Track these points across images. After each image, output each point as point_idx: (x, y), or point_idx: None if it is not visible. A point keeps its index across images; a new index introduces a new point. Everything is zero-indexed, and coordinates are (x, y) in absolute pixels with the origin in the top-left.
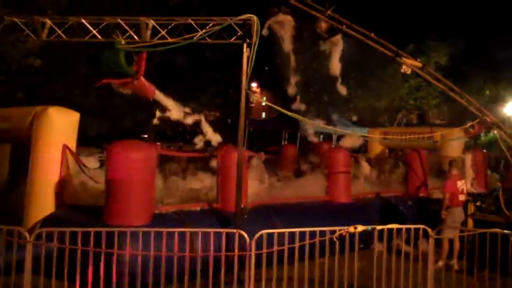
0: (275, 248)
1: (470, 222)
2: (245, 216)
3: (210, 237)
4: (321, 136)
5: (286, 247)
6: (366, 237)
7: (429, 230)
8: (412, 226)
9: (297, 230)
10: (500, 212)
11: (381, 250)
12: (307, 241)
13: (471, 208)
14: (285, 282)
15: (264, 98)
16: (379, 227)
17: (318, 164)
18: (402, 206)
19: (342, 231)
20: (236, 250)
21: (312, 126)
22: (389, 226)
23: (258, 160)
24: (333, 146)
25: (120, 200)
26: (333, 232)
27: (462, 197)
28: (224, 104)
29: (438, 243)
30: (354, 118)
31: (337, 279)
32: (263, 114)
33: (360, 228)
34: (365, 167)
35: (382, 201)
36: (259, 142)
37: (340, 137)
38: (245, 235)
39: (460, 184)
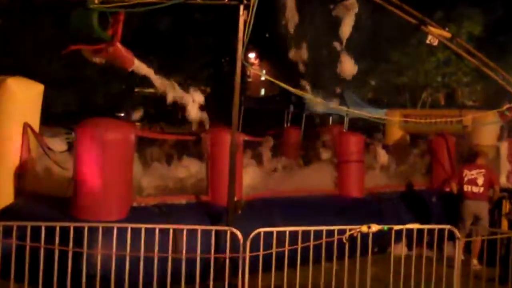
0: (274, 249)
1: (505, 223)
2: (239, 212)
3: (197, 235)
4: (331, 118)
5: (286, 248)
6: (381, 238)
7: (456, 231)
8: (436, 227)
9: (300, 228)
10: None
11: (399, 254)
12: (311, 242)
13: (506, 206)
14: None
15: (264, 72)
16: (397, 227)
17: (326, 150)
18: (424, 203)
19: (353, 231)
20: (228, 251)
21: (320, 106)
22: (409, 226)
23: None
24: (344, 130)
25: (91, 190)
26: (342, 231)
27: (473, 189)
28: (216, 78)
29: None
30: (369, 96)
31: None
32: (262, 91)
33: (375, 227)
34: (382, 156)
35: (401, 196)
36: (257, 123)
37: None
38: (239, 233)
39: (470, 173)
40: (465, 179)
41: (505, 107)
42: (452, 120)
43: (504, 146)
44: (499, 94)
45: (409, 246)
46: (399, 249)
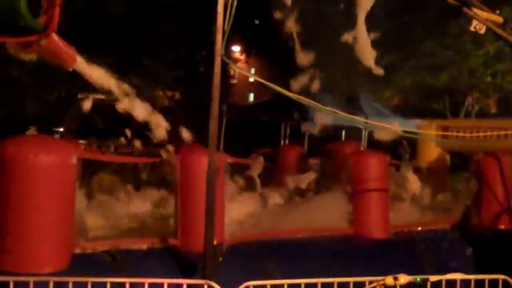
0: None
1: None
2: (220, 259)
3: None
4: (344, 131)
5: None
6: None
7: None
8: (486, 277)
9: (303, 281)
10: None
11: None
12: None
13: None
14: None
15: (253, 71)
16: (434, 278)
17: (337, 176)
18: (471, 245)
19: (375, 283)
20: None
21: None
22: (450, 276)
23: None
24: (362, 148)
25: (19, 231)
26: (360, 285)
27: None
28: (187, 79)
29: None
30: (395, 102)
31: None
32: (251, 96)
33: (404, 279)
34: (413, 182)
35: (440, 236)
36: (244, 140)
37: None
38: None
39: None
40: None
41: None
42: (507, 134)
43: None
44: None
45: None
46: None
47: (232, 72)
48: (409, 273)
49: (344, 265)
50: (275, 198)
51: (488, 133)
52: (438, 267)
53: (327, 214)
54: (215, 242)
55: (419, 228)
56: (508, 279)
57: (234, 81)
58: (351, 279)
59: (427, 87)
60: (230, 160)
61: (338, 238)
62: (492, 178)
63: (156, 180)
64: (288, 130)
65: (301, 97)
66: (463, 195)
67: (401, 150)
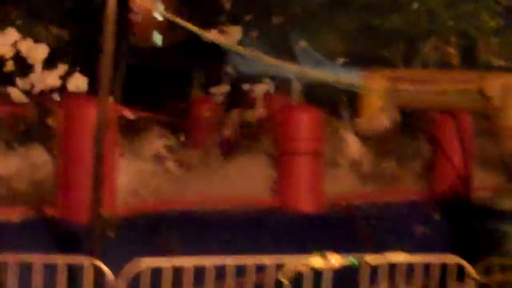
0: None
1: None
2: (110, 234)
3: (38, 271)
4: (271, 83)
5: None
6: (348, 279)
7: (469, 267)
8: (435, 259)
9: (209, 261)
10: None
11: None
12: (229, 282)
13: None
14: None
15: (161, 5)
16: (371, 259)
17: (261, 136)
18: (420, 221)
19: (299, 265)
20: None
21: (254, 64)
22: (391, 257)
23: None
24: (293, 102)
25: None
26: (280, 266)
27: None
28: (76, 15)
29: None
30: (336, 49)
31: None
32: (158, 38)
33: (336, 260)
34: (353, 146)
35: (384, 211)
36: (147, 90)
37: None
38: (105, 268)
39: None
40: None
41: None
42: (468, 89)
43: None
44: None
45: None
46: None
47: (135, 8)
48: (345, 254)
49: (264, 244)
50: (182, 160)
51: (447, 87)
52: (381, 248)
53: (246, 182)
54: (103, 213)
55: (359, 201)
56: (462, 262)
57: (138, 18)
58: (270, 259)
59: (376, 32)
60: (126, 112)
61: (258, 211)
62: (449, 142)
63: (32, 135)
64: (203, 80)
65: (219, 39)
66: (414, 162)
67: (340, 106)
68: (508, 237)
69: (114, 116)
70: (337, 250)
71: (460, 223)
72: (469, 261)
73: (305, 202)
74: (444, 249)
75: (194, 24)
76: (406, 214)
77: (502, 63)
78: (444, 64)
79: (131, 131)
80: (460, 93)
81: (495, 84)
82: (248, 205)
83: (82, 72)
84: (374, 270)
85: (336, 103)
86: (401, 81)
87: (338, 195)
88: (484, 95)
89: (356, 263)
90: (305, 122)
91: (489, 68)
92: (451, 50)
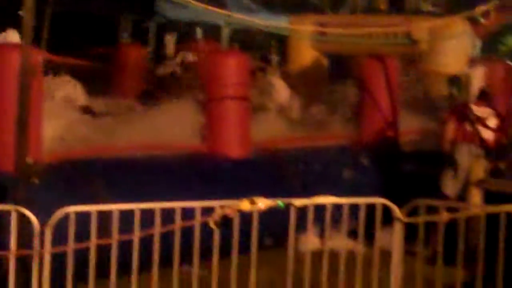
0: (94, 241)
1: (476, 194)
2: (35, 181)
3: None
4: (198, 28)
5: (115, 240)
6: (276, 222)
7: (395, 208)
8: (361, 200)
9: (136, 206)
10: None
11: (306, 248)
12: (156, 228)
13: (479, 170)
14: None
15: None
16: (299, 202)
17: (188, 82)
18: (349, 165)
19: (228, 209)
20: (14, 246)
21: (183, 10)
22: (319, 199)
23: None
24: (221, 47)
25: None
26: (209, 210)
27: (482, 132)
28: None
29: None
30: None
31: None
32: None
33: (263, 203)
34: (281, 90)
35: (312, 155)
36: (72, 37)
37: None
38: (32, 216)
39: (478, 109)
40: (472, 116)
41: (478, 10)
42: (396, 33)
43: (477, 74)
44: None
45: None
46: (306, 240)
47: None
48: (273, 197)
49: (192, 189)
50: (109, 106)
51: (373, 31)
52: (309, 191)
53: (174, 128)
54: (28, 160)
55: (288, 146)
56: (387, 203)
57: None
58: (197, 204)
59: None
60: (52, 58)
61: (186, 156)
62: (376, 86)
63: None
64: (129, 26)
65: None
66: (342, 107)
67: (269, 52)
68: (433, 178)
69: (38, 63)
70: (265, 194)
71: (388, 167)
72: (396, 204)
73: (233, 147)
74: (372, 192)
75: None
76: (335, 159)
77: (431, 9)
78: (372, 10)
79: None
80: (387, 37)
81: (422, 28)
82: (176, 151)
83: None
84: (302, 212)
85: (265, 49)
86: (329, 26)
87: (266, 140)
88: (411, 39)
89: (283, 206)
90: (232, 67)
91: (417, 13)
92: None
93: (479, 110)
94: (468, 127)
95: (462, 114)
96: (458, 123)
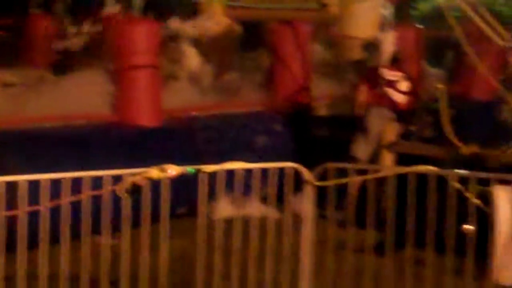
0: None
1: (388, 157)
2: None
3: None
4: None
5: (22, 211)
6: (189, 190)
7: (305, 171)
8: (272, 165)
9: (44, 176)
10: (441, 139)
11: (220, 216)
12: (65, 199)
13: (390, 133)
14: None
15: None
16: (209, 168)
17: (98, 51)
18: (261, 132)
19: (138, 176)
20: None
21: None
22: (228, 165)
23: None
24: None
25: None
26: (117, 179)
27: (393, 95)
28: None
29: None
30: None
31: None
32: None
33: (173, 170)
34: (192, 57)
35: (224, 122)
36: None
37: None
38: None
39: (389, 73)
40: (384, 80)
41: None
42: None
43: (388, 39)
44: None
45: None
46: (219, 208)
47: None
48: (184, 164)
49: (103, 159)
50: (19, 77)
51: None
52: (221, 158)
53: (84, 98)
54: None
55: (199, 113)
56: (299, 167)
57: None
58: (106, 172)
59: None
60: None
61: (97, 126)
62: (286, 51)
63: None
64: None
65: None
66: (254, 73)
67: (181, 18)
68: (346, 143)
69: None
70: (177, 161)
71: (301, 132)
72: (309, 169)
73: (143, 116)
74: (286, 158)
75: None
76: (247, 125)
77: None
78: None
79: None
80: (298, 2)
81: None
82: (86, 121)
83: None
84: (212, 178)
85: (179, 15)
86: None
87: (177, 108)
88: (322, 4)
89: (193, 172)
90: (140, 36)
91: None
92: None
93: (391, 74)
94: (379, 91)
95: (373, 78)
96: (370, 87)
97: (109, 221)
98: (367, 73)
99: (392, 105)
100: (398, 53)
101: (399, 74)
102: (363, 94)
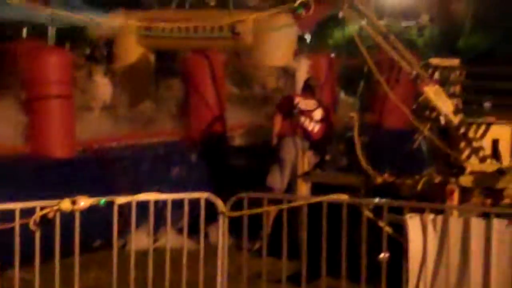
0: None
1: (303, 187)
2: None
3: None
4: (25, 28)
5: None
6: (101, 222)
7: (219, 201)
8: (185, 196)
9: None
10: (355, 167)
11: (137, 248)
12: None
13: (304, 163)
14: None
15: None
16: (120, 200)
17: (11, 80)
18: (176, 162)
19: (48, 209)
20: None
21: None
22: (141, 196)
23: None
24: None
25: None
26: (28, 213)
27: (309, 125)
28: None
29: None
30: None
31: None
32: None
33: (85, 202)
34: (104, 87)
35: (139, 152)
36: None
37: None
38: None
39: (304, 102)
40: (299, 109)
41: (298, 1)
42: (220, 27)
43: (302, 67)
44: None
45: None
46: (135, 240)
47: None
48: (97, 196)
49: (15, 192)
50: None
51: (199, 25)
52: (137, 189)
53: None
54: None
55: (113, 144)
56: (212, 197)
57: None
58: (17, 205)
59: None
60: None
61: (9, 157)
62: (201, 81)
63: None
64: None
65: None
66: (169, 103)
67: (95, 49)
68: (261, 173)
69: None
70: (90, 193)
71: (216, 162)
72: (224, 199)
73: (56, 147)
74: (201, 189)
75: None
76: (162, 155)
77: (258, 3)
78: (199, 6)
79: None
80: (212, 31)
81: (244, 21)
82: None
83: None
84: (122, 210)
85: (91, 47)
86: (155, 22)
87: (90, 139)
88: (235, 32)
89: (105, 203)
90: (53, 65)
91: (242, 7)
92: None
93: (304, 103)
94: (293, 120)
95: (287, 107)
96: (284, 116)
97: (20, 255)
98: (281, 102)
99: (306, 134)
100: (312, 81)
101: (312, 102)
102: (277, 123)
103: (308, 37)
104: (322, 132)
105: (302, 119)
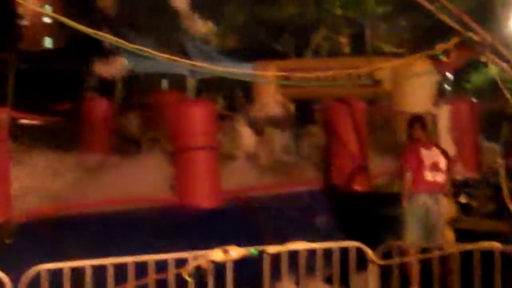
0: None
1: (449, 234)
2: (7, 241)
3: None
4: (164, 80)
5: None
6: (250, 269)
7: (369, 250)
8: (335, 245)
9: (109, 261)
10: (502, 213)
11: None
12: (130, 283)
13: (451, 209)
14: None
15: (48, 8)
16: (272, 249)
17: (159, 133)
18: (320, 210)
19: (201, 259)
20: None
21: (147, 63)
22: (292, 245)
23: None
24: (188, 97)
25: None
26: (182, 262)
27: (436, 177)
28: None
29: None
30: (228, 44)
31: None
32: (48, 41)
33: (236, 252)
34: (247, 137)
35: (283, 202)
36: (39, 93)
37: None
38: (2, 275)
39: (429, 154)
40: (426, 162)
41: (438, 48)
42: (360, 75)
43: (443, 113)
44: (435, 33)
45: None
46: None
47: (22, 12)
48: (246, 246)
49: (166, 242)
50: (80, 162)
51: (337, 74)
52: (282, 238)
53: (144, 181)
54: None
55: (258, 193)
56: (362, 246)
57: (25, 22)
58: (170, 256)
59: (266, 23)
60: (16, 116)
61: (158, 209)
62: (343, 129)
63: None
64: (95, 81)
65: (111, 37)
66: (310, 152)
67: (235, 100)
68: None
69: (3, 120)
70: (238, 242)
71: (360, 210)
72: (370, 247)
73: (203, 197)
74: (346, 237)
75: (82, 24)
76: (306, 204)
77: (394, 50)
78: (335, 53)
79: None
80: (350, 79)
81: (384, 69)
82: (147, 204)
83: None
84: (275, 259)
85: (231, 97)
86: (293, 71)
87: (236, 188)
88: (374, 80)
89: (256, 253)
90: (198, 117)
91: (379, 54)
92: (342, 39)
93: (428, 155)
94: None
95: (415, 161)
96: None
97: None
98: (407, 155)
99: (438, 188)
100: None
101: (435, 152)
102: (407, 182)
103: (447, 83)
104: (448, 181)
105: (430, 176)
